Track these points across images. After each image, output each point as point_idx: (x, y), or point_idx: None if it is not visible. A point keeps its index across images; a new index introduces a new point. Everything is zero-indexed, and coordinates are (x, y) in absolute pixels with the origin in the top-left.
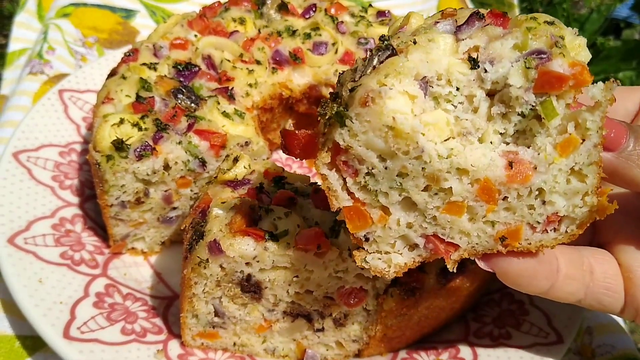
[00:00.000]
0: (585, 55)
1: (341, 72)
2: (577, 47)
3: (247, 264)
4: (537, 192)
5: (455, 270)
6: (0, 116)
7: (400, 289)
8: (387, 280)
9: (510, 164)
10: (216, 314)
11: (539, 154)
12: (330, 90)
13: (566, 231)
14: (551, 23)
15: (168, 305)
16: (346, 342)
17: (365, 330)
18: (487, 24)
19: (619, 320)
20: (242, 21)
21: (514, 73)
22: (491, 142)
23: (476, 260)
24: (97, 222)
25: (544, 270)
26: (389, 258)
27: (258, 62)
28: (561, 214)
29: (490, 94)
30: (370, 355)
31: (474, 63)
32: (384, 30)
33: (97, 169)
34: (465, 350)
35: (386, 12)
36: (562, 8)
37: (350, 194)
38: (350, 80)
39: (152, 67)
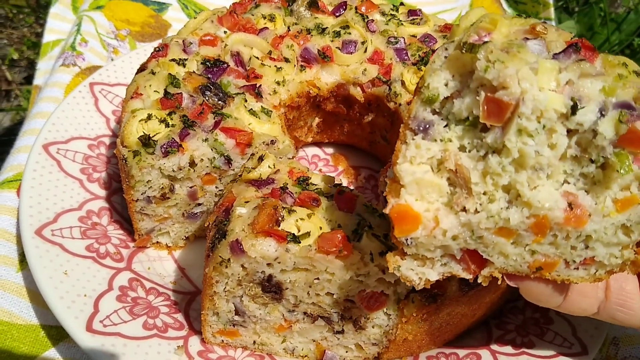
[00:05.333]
0: None
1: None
2: None
3: (268, 264)
4: (584, 237)
5: (486, 285)
6: (33, 107)
7: (421, 295)
8: (409, 286)
9: (570, 206)
10: (237, 312)
11: (596, 204)
12: (359, 89)
13: (594, 273)
14: (639, 74)
15: (190, 300)
16: (366, 345)
17: (385, 334)
18: (582, 59)
19: None
20: (271, 18)
21: (606, 123)
22: (556, 181)
23: (504, 276)
24: (123, 216)
25: (561, 288)
26: (423, 272)
27: (286, 60)
28: (597, 259)
29: (567, 131)
30: (390, 358)
31: (573, 109)
32: (414, 30)
33: (124, 164)
34: (486, 358)
35: (417, 11)
36: (598, 7)
37: None
38: None
39: (181, 63)
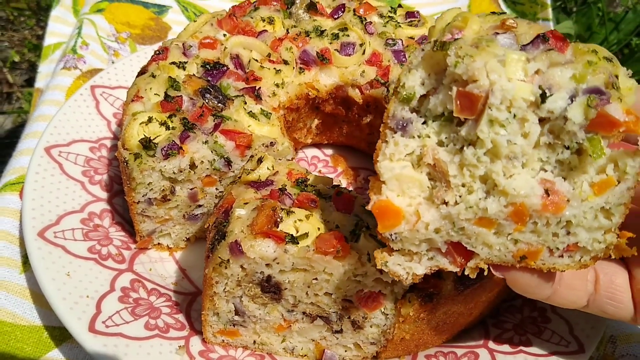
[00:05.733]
0: (632, 100)
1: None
2: (627, 90)
3: (267, 265)
4: (564, 223)
5: (474, 277)
6: (34, 110)
7: (418, 294)
8: (406, 286)
9: (547, 192)
10: (237, 312)
11: (574, 189)
12: (357, 91)
13: (579, 260)
14: (610, 60)
15: (191, 301)
16: (364, 344)
17: (383, 334)
18: (550, 49)
19: None
20: (270, 21)
21: (575, 109)
22: (532, 169)
23: (490, 267)
24: (124, 218)
25: (548, 279)
26: (410, 267)
27: (285, 62)
28: (581, 245)
29: (539, 120)
30: (388, 357)
31: (542, 97)
32: (412, 32)
33: (125, 167)
34: (484, 356)
35: (415, 12)
36: (596, 7)
37: None
38: None
39: (181, 66)
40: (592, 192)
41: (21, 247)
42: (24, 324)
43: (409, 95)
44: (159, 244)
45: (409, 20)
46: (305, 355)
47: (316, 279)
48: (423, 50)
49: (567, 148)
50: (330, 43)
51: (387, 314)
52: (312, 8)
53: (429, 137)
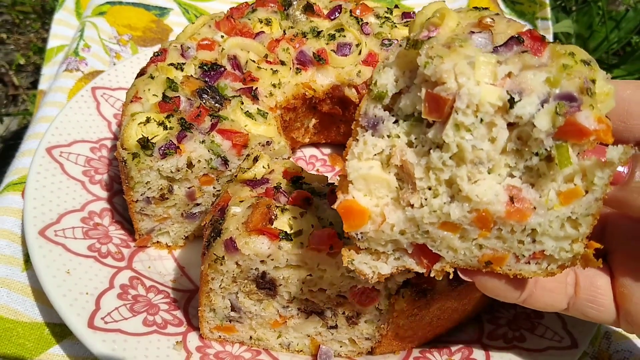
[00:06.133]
0: (611, 104)
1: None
2: (604, 95)
3: (261, 261)
4: (529, 231)
5: (440, 279)
6: (37, 112)
7: (411, 290)
8: (399, 281)
9: (512, 199)
10: (233, 308)
11: (540, 196)
12: (353, 90)
13: (546, 268)
14: (587, 63)
15: (189, 298)
16: (359, 340)
17: (377, 329)
18: (525, 50)
19: None
20: (268, 22)
21: (542, 116)
22: (499, 175)
23: (458, 271)
24: (124, 216)
25: (519, 282)
26: (375, 265)
27: (282, 63)
28: (547, 253)
29: (508, 124)
30: (383, 353)
31: (510, 103)
32: (408, 32)
33: (124, 166)
34: (478, 352)
35: (411, 13)
36: (597, 6)
37: None
38: None
39: (179, 67)
40: (558, 201)
41: (23, 246)
42: (26, 320)
43: (380, 93)
44: (158, 242)
45: (405, 20)
46: (301, 351)
47: (310, 275)
48: (401, 46)
49: (537, 154)
50: (327, 44)
51: (381, 310)
52: (309, 9)
53: (399, 137)
